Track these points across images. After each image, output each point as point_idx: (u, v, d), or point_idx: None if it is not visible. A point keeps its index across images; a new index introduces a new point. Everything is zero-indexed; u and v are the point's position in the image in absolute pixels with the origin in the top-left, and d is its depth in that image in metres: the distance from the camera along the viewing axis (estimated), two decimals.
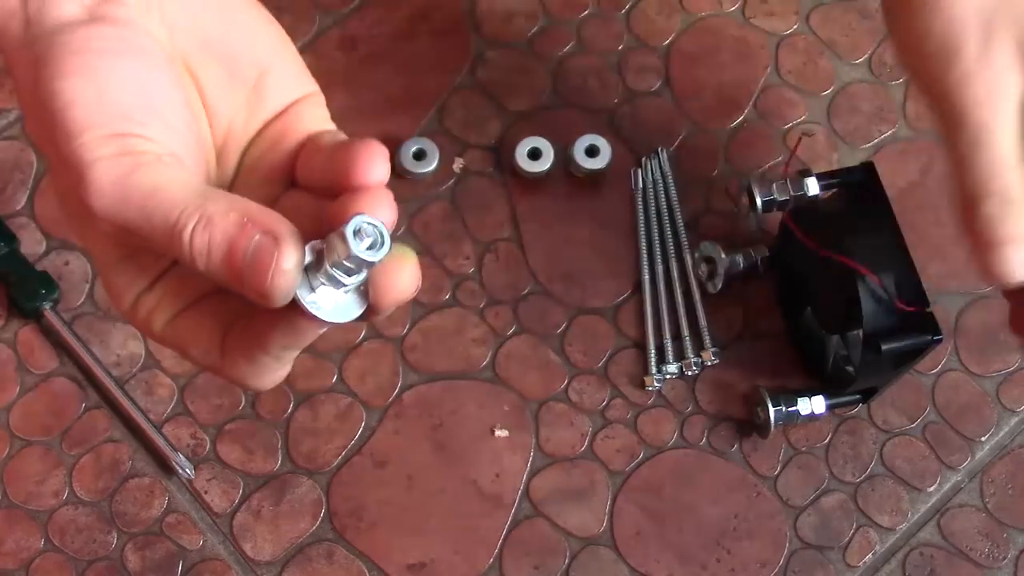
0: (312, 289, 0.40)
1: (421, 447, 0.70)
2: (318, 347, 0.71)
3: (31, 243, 0.71)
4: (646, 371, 0.71)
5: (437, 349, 0.71)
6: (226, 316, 0.44)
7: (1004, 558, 0.69)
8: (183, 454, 0.68)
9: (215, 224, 0.39)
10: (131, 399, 0.69)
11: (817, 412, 0.69)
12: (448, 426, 0.70)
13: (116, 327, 0.70)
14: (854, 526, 0.69)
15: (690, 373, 0.71)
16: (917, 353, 0.64)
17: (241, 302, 0.42)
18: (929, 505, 0.70)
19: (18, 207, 0.72)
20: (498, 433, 0.70)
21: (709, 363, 0.71)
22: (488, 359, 0.71)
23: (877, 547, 0.69)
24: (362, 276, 0.40)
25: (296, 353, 0.44)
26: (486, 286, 0.73)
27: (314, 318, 0.40)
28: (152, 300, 0.44)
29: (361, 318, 0.41)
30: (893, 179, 0.74)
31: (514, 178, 0.75)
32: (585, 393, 0.71)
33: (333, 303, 0.40)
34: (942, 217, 0.74)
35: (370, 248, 0.38)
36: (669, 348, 0.71)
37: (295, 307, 0.40)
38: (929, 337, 0.62)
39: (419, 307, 0.72)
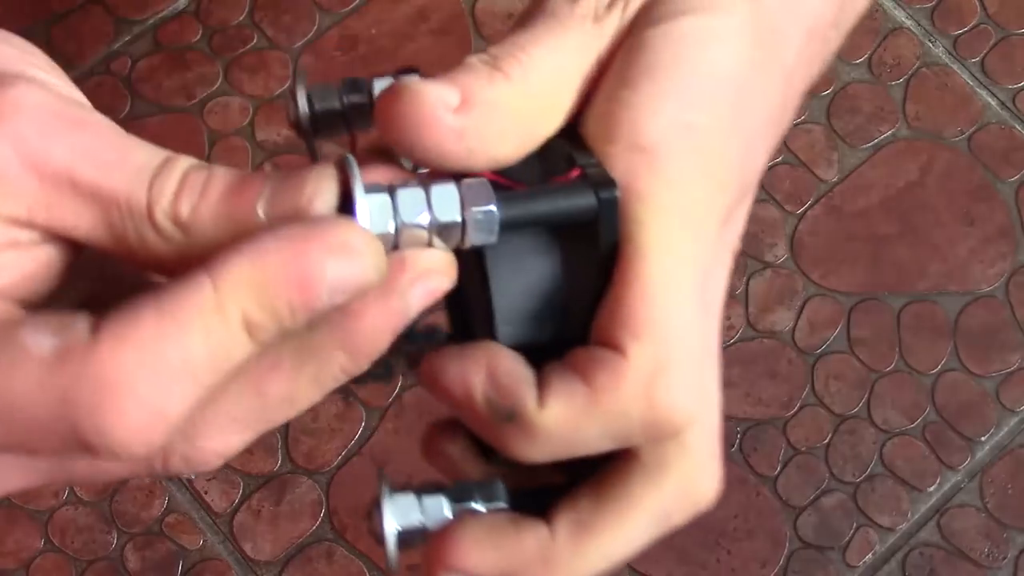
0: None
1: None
2: None
3: None
4: None
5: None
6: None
7: (1004, 558, 0.69)
8: None
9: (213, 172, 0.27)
10: None
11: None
12: None
13: None
14: (854, 526, 0.69)
15: None
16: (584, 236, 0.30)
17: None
18: (929, 505, 0.70)
19: None
20: None
21: None
22: None
23: (877, 547, 0.69)
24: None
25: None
26: None
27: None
28: None
29: None
30: (893, 179, 0.74)
31: None
32: None
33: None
34: (942, 217, 0.74)
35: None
36: None
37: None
38: (591, 197, 0.28)
39: None
